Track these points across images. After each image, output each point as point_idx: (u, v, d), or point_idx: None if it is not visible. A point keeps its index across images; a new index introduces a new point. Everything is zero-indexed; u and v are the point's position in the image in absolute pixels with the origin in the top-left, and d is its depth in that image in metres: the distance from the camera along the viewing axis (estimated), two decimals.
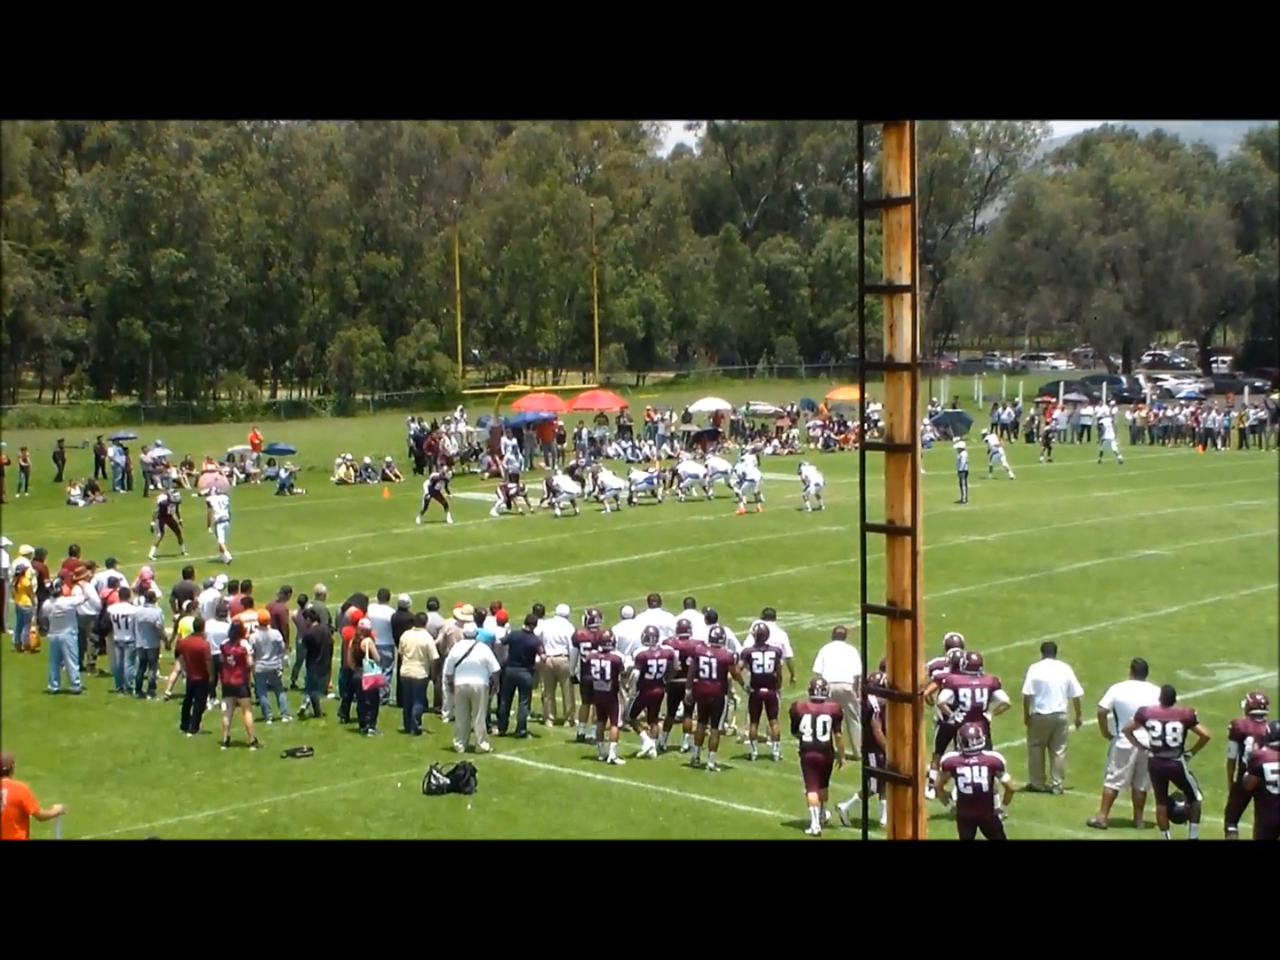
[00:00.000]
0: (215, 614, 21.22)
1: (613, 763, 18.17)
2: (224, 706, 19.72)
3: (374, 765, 18.43)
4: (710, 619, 19.43)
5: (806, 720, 15.71)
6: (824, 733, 15.63)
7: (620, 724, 18.65)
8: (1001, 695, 16.35)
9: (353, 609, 21.07)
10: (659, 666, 18.46)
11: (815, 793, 15.60)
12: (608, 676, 18.40)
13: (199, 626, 20.51)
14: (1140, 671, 16.08)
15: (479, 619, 19.96)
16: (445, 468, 44.80)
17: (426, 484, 40.11)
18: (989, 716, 16.09)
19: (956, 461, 40.76)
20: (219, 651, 20.15)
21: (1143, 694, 15.62)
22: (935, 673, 15.05)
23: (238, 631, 19.75)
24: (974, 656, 16.74)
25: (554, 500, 40.23)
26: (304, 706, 20.85)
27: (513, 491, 41.12)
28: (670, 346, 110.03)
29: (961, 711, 15.83)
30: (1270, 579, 28.11)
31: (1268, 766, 13.76)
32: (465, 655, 18.97)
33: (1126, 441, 54.61)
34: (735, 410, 62.74)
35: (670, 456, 50.53)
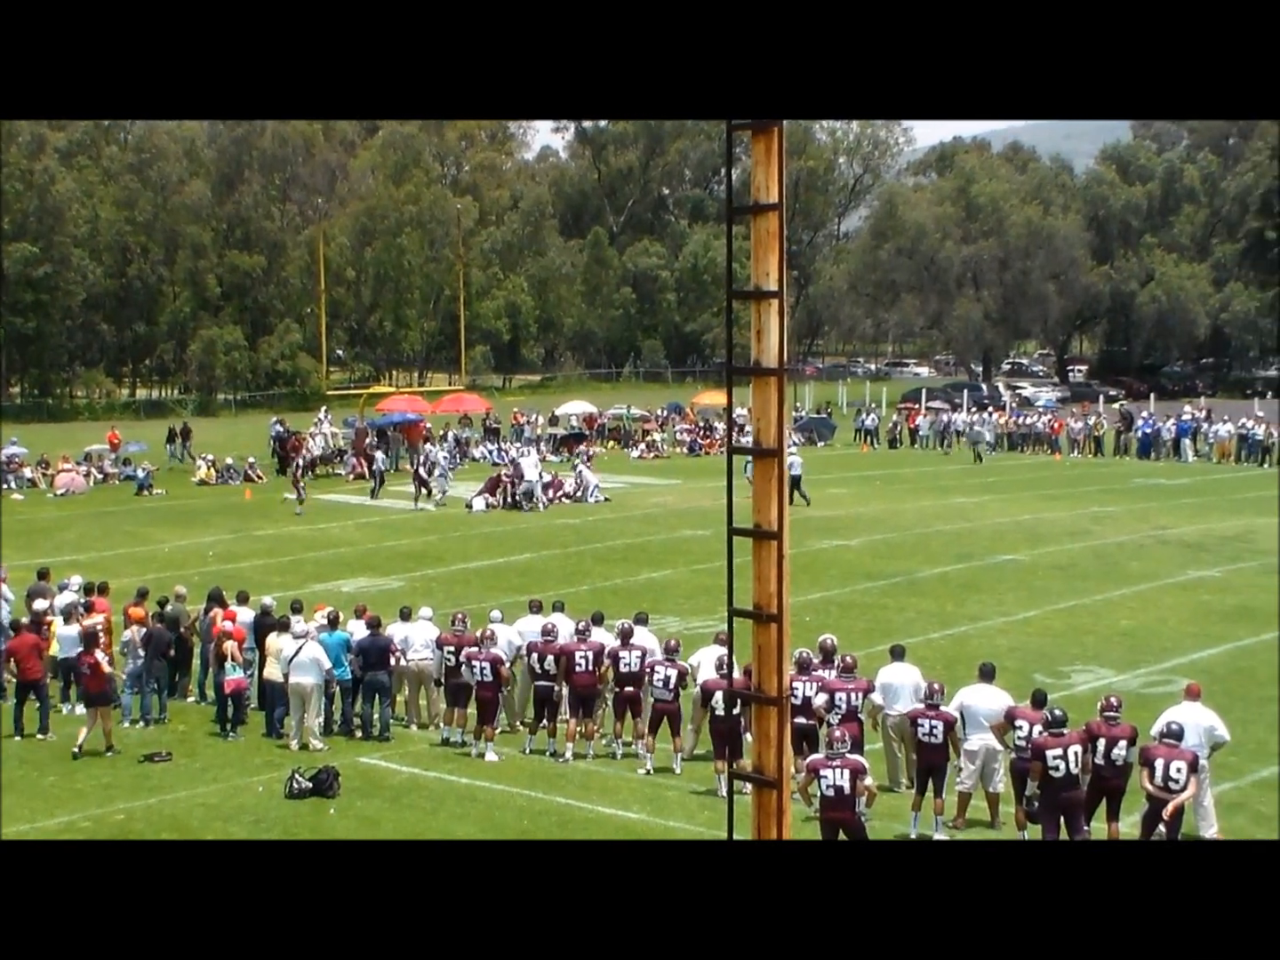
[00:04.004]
0: (64, 618, 20.71)
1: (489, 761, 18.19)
2: (86, 715, 19.30)
3: (235, 769, 18.15)
4: (596, 620, 19.45)
5: (718, 695, 16.54)
6: (736, 706, 16.10)
7: (496, 725, 18.71)
8: (876, 698, 16.72)
9: (216, 609, 20.78)
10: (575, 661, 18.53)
11: (720, 760, 16.37)
12: (489, 675, 18.35)
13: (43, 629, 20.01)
14: (988, 675, 16.28)
15: (332, 622, 19.79)
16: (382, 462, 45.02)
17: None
18: (863, 718, 16.38)
19: (789, 467, 41.18)
20: (69, 656, 19.76)
21: (989, 697, 15.87)
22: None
23: (92, 640, 19.26)
24: (848, 659, 16.96)
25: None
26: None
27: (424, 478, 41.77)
28: (537, 349, 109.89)
29: (837, 714, 16.02)
30: (1123, 584, 28.84)
31: (1049, 753, 14.30)
32: (296, 654, 18.98)
33: (986, 451, 55.56)
34: (602, 414, 62.76)
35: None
